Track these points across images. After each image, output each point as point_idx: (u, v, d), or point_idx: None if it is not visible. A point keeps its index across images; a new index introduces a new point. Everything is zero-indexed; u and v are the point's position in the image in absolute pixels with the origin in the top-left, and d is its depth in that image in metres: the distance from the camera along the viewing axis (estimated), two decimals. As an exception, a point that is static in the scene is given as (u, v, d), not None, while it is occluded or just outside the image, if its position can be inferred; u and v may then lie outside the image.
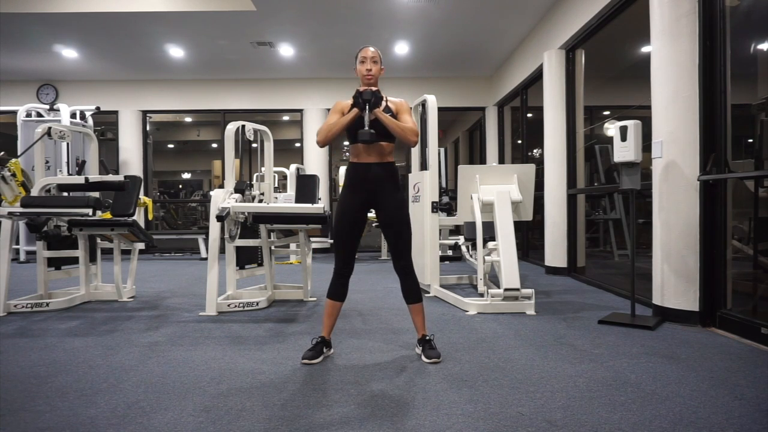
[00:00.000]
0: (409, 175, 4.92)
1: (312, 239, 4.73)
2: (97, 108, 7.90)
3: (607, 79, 7.51)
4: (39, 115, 7.58)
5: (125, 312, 3.88)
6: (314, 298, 4.32)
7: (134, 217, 4.15)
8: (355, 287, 4.57)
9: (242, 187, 3.88)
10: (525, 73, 6.73)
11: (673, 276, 3.34)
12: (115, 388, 2.23)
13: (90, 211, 3.56)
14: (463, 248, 5.98)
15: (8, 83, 8.42)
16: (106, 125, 9.09)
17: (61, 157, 7.31)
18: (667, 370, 2.42)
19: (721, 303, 3.19)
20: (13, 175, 4.01)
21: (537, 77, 6.39)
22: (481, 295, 4.10)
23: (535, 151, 7.65)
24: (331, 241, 3.04)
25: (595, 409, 1.96)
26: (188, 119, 13.51)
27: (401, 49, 7.14)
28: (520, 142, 7.67)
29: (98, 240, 4.42)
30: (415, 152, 4.80)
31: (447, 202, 6.27)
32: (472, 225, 4.47)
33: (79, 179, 3.97)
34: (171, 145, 16.62)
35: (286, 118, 12.89)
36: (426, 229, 4.37)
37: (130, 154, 8.69)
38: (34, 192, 3.94)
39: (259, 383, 2.28)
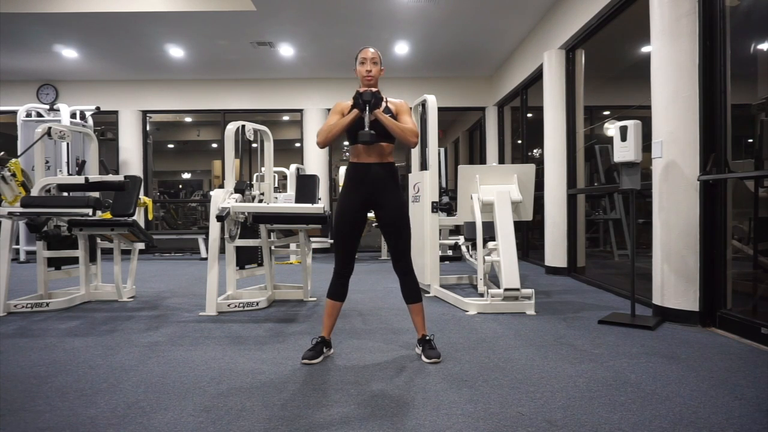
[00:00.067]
0: (409, 175, 4.92)
1: (312, 239, 4.73)
2: (97, 108, 7.90)
3: (607, 79, 7.51)
4: (39, 115, 7.58)
5: (125, 312, 3.88)
6: (314, 298, 4.32)
7: (134, 217, 4.15)
8: (355, 287, 4.57)
9: (242, 187, 3.88)
10: (525, 73, 6.73)
11: (673, 276, 3.34)
12: (115, 388, 2.23)
13: (90, 211, 3.56)
14: (463, 248, 5.98)
15: (8, 83, 8.42)
16: (106, 125, 9.10)
17: (61, 157, 7.31)
18: (667, 370, 2.42)
19: (721, 303, 3.19)
20: (13, 175, 4.01)
21: (537, 77, 6.40)
22: (481, 295, 4.10)
23: (535, 151, 7.65)
24: (331, 241, 3.04)
25: (595, 409, 1.96)
26: (188, 119, 13.50)
27: (401, 49, 7.14)
28: (520, 142, 7.67)
29: (98, 240, 4.42)
30: (415, 152, 4.80)
31: (447, 202, 6.27)
32: (472, 225, 4.47)
33: (79, 179, 3.97)
34: (171, 145, 16.62)
35: (286, 118, 12.89)
36: (426, 229, 4.37)
37: (130, 154, 8.69)
38: (34, 192, 3.94)
39: (259, 383, 2.28)
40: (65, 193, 4.15)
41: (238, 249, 4.09)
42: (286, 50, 7.21)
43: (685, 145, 3.26)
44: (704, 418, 1.87)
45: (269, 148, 4.31)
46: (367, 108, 2.46)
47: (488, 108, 8.74)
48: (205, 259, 7.43)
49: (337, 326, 3.12)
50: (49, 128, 4.02)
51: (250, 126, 4.06)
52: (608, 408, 1.97)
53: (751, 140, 4.12)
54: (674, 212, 3.33)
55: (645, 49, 4.77)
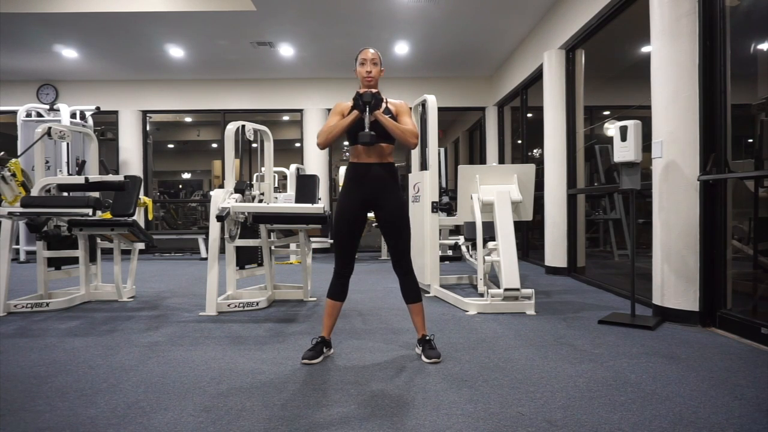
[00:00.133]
0: (409, 175, 4.93)
1: (312, 239, 4.73)
2: (97, 108, 7.91)
3: (607, 79, 7.51)
4: (39, 115, 7.58)
5: (125, 312, 3.88)
6: (314, 298, 4.32)
7: (134, 217, 4.15)
8: (355, 287, 4.57)
9: (242, 187, 3.88)
10: (525, 73, 6.73)
11: (673, 276, 3.34)
12: (115, 388, 2.23)
13: (90, 211, 3.56)
14: (463, 248, 5.98)
15: (8, 83, 8.42)
16: (106, 125, 9.10)
17: (61, 157, 7.31)
18: (667, 370, 2.42)
19: (721, 303, 3.19)
20: (13, 175, 4.01)
21: (537, 77, 6.39)
22: (481, 295, 4.10)
23: (535, 151, 7.65)
24: (331, 241, 3.04)
25: (595, 409, 1.96)
26: (188, 119, 13.51)
27: (401, 49, 7.14)
28: (520, 142, 7.67)
29: (98, 240, 4.42)
30: (415, 152, 4.80)
31: (447, 202, 6.27)
32: (472, 225, 4.47)
33: (79, 179, 3.97)
34: (171, 145, 16.61)
35: (286, 118, 12.89)
36: (426, 229, 4.37)
37: (130, 154, 8.69)
38: (34, 192, 3.94)
39: (259, 383, 2.28)
40: (65, 193, 4.15)
41: (238, 249, 4.09)
42: (286, 50, 7.21)
43: (685, 145, 3.26)
44: (704, 418, 1.87)
45: (269, 148, 4.31)
46: (367, 109, 2.46)
47: (488, 108, 8.74)
48: (205, 259, 7.43)
49: (337, 326, 3.12)
50: (49, 128, 4.02)
51: (250, 126, 4.06)
52: (608, 408, 1.97)
53: (751, 140, 4.12)
54: (674, 212, 3.33)
55: (645, 49, 4.77)
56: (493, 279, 4.78)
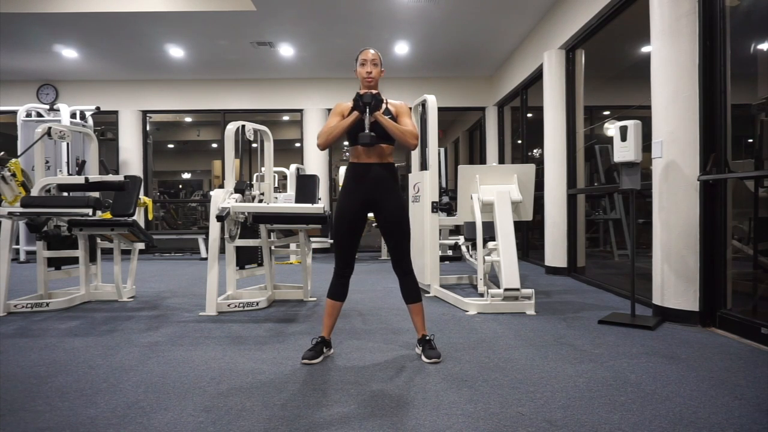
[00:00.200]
0: (409, 175, 4.92)
1: (312, 239, 4.73)
2: (97, 108, 7.91)
3: (607, 79, 7.51)
4: (39, 115, 7.59)
5: (125, 312, 3.88)
6: (314, 298, 4.33)
7: (134, 217, 4.15)
8: (355, 287, 4.57)
9: (242, 187, 3.88)
10: (525, 73, 6.73)
11: (673, 276, 3.34)
12: (115, 388, 2.23)
13: (90, 211, 3.56)
14: (463, 248, 5.98)
15: (8, 83, 8.42)
16: (106, 125, 9.10)
17: (61, 157, 7.31)
18: (667, 370, 2.42)
19: (721, 303, 3.19)
20: (13, 175, 4.01)
21: (537, 77, 6.40)
22: (481, 295, 4.10)
23: (535, 151, 7.65)
24: (331, 241, 3.05)
25: (595, 409, 1.96)
26: (188, 119, 13.51)
27: (401, 49, 7.14)
28: (520, 142, 7.67)
29: (98, 240, 4.42)
30: (415, 152, 4.80)
31: (447, 202, 6.27)
32: (472, 225, 4.47)
33: (79, 179, 3.97)
34: (171, 145, 16.62)
35: (286, 118, 12.89)
36: (426, 229, 4.37)
37: (130, 154, 8.69)
38: (34, 192, 3.95)
39: (259, 383, 2.28)
40: (65, 193, 4.15)
41: (238, 249, 4.09)
42: (286, 50, 7.21)
43: (685, 145, 3.26)
44: (704, 418, 1.87)
45: (269, 148, 4.31)
46: (367, 110, 2.46)
47: (488, 108, 8.74)
48: (205, 259, 7.43)
49: (337, 326, 3.12)
50: (49, 128, 4.02)
51: (250, 126, 4.06)
52: (608, 408, 1.97)
53: (751, 140, 4.12)
54: (674, 212, 3.33)
55: (645, 49, 4.77)
56: (493, 279, 4.78)
